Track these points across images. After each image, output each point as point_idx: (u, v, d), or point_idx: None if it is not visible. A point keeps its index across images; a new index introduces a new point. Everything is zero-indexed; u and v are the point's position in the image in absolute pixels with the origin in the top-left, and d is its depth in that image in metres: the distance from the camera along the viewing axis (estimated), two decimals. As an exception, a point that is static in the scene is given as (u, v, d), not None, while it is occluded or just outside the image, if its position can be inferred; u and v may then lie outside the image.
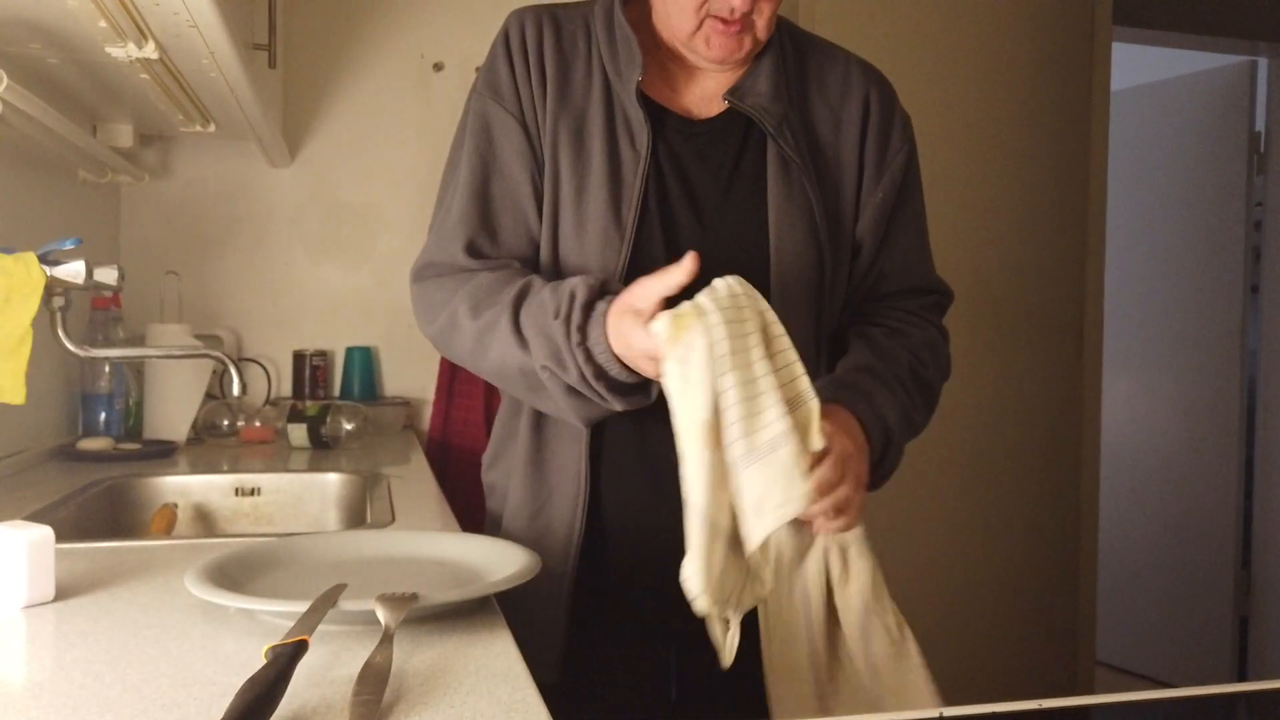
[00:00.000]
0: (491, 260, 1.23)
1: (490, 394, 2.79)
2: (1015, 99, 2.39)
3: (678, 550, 1.21)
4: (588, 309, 1.07)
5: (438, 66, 2.89)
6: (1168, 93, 4.17)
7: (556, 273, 1.23)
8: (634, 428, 1.22)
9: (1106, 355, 2.66)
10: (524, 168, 1.25)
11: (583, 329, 1.07)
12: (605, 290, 1.10)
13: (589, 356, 1.07)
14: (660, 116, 1.25)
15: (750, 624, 1.15)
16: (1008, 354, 2.42)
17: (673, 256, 1.13)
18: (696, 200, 1.25)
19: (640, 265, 1.20)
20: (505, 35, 1.29)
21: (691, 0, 1.18)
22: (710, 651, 1.26)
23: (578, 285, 1.09)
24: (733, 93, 1.24)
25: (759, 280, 1.19)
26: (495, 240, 1.24)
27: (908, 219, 1.34)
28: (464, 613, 0.97)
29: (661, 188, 1.24)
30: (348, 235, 2.80)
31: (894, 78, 2.22)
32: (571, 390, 1.11)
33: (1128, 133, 4.12)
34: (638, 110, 1.22)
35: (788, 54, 1.30)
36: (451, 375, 2.76)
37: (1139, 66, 4.35)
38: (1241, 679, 3.92)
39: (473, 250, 1.22)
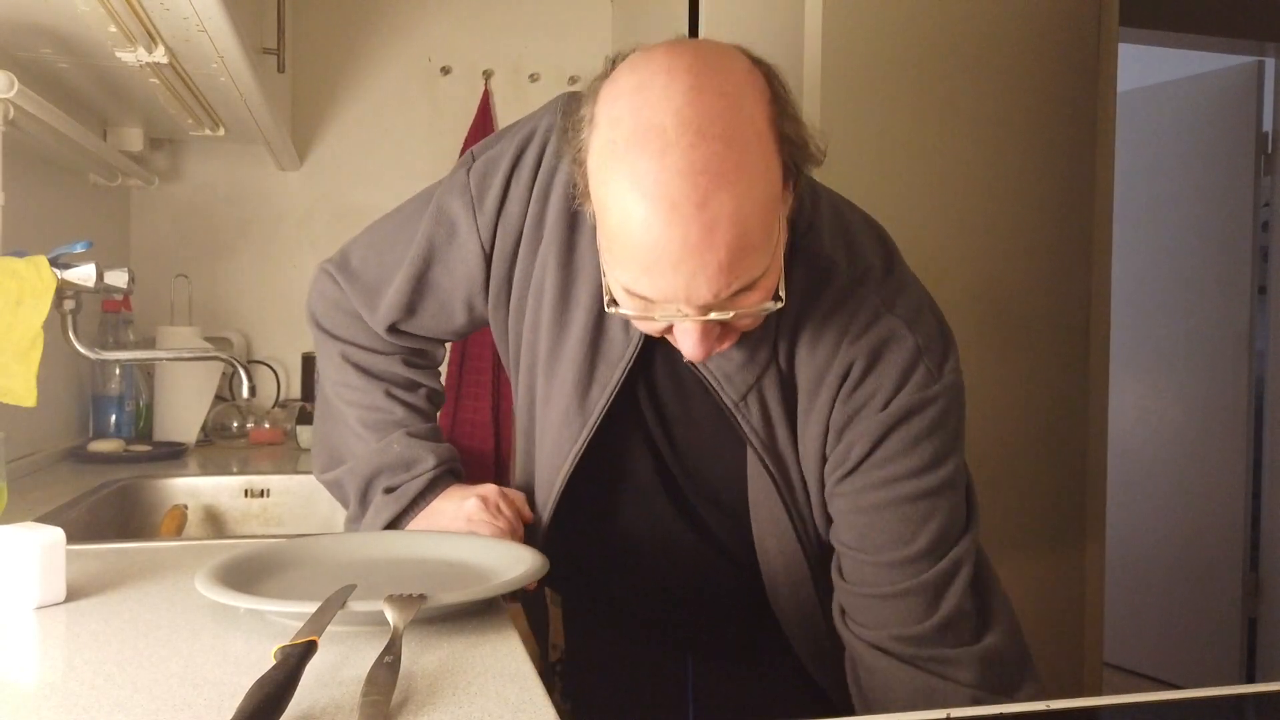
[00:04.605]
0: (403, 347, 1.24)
1: (498, 396, 2.79)
2: (1021, 100, 2.38)
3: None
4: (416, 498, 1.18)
5: (445, 70, 2.90)
6: (1175, 93, 4.16)
7: (530, 433, 1.18)
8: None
9: (1113, 357, 2.65)
10: (465, 283, 1.15)
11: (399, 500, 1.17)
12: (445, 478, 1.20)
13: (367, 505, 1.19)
14: None
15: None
16: (1014, 355, 2.42)
17: (641, 461, 1.14)
18: (679, 415, 1.13)
19: (606, 455, 1.13)
20: (525, 145, 1.12)
21: (647, 328, 0.97)
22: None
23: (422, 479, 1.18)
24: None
25: (739, 528, 1.12)
26: (416, 327, 1.21)
27: (877, 488, 1.03)
28: (472, 613, 0.97)
29: (644, 386, 1.12)
30: (356, 238, 2.81)
31: (899, 80, 2.22)
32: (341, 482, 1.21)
33: (1135, 133, 4.11)
34: None
35: (794, 289, 1.02)
36: (459, 377, 2.77)
37: (1146, 67, 4.34)
38: (1250, 681, 3.91)
39: (395, 330, 1.21)
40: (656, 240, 0.83)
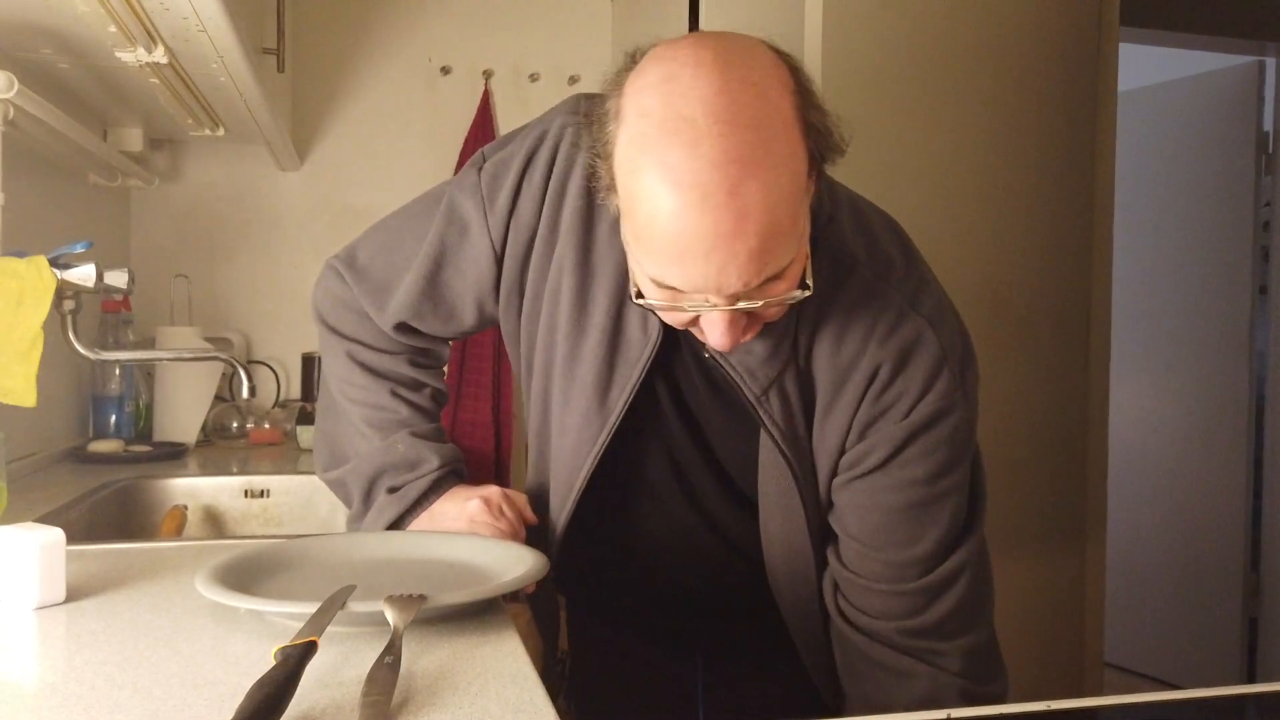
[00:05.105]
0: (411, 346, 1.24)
1: (498, 396, 2.79)
2: (1022, 100, 2.38)
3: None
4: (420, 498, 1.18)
5: (445, 70, 2.90)
6: (1175, 93, 4.16)
7: (545, 433, 1.17)
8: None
9: (1114, 356, 2.65)
10: (475, 284, 1.15)
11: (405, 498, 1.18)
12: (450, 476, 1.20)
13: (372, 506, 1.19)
14: None
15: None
16: (1014, 355, 2.42)
17: (657, 460, 1.14)
18: (699, 411, 1.13)
19: (622, 456, 1.13)
20: (537, 147, 1.11)
21: (668, 320, 0.98)
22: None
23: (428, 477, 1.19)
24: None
25: (750, 520, 1.13)
26: (425, 325, 1.21)
27: (889, 492, 1.06)
28: (472, 614, 0.97)
29: (664, 383, 1.12)
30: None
31: (899, 80, 2.22)
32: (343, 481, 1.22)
33: (1135, 133, 4.11)
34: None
35: (816, 283, 0.98)
36: (459, 378, 2.77)
37: (1146, 67, 4.34)
38: (1250, 681, 3.91)
39: (403, 329, 1.21)
40: (687, 229, 0.83)
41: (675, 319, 0.95)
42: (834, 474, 1.08)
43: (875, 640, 1.08)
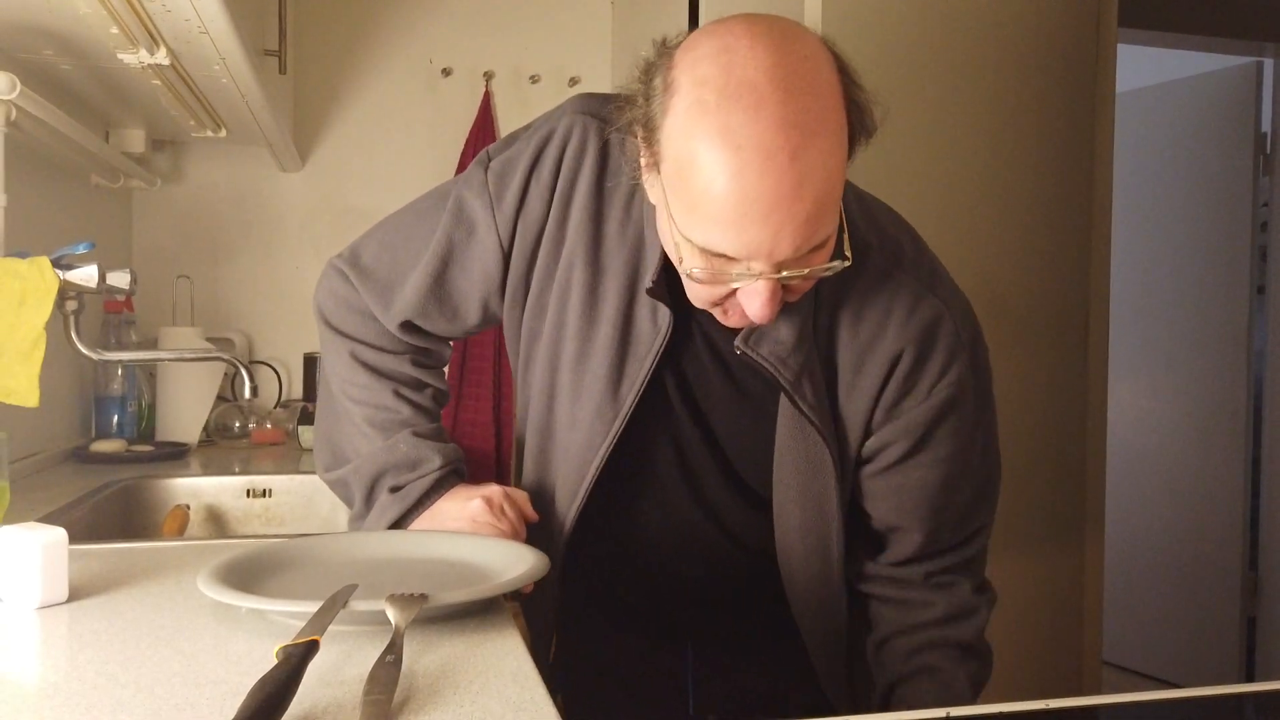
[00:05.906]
0: (416, 345, 1.24)
1: (498, 396, 2.80)
2: (1020, 100, 2.39)
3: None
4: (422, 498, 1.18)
5: (446, 71, 2.91)
6: (1174, 94, 4.16)
7: (548, 429, 1.17)
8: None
9: (1112, 356, 2.66)
10: (482, 282, 1.16)
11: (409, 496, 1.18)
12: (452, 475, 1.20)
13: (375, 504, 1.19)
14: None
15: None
16: (1013, 355, 2.43)
17: (663, 453, 1.16)
18: (707, 403, 1.14)
19: (628, 450, 1.13)
20: (544, 146, 1.12)
21: (702, 297, 0.99)
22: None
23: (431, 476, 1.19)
24: (746, 339, 1.03)
25: (755, 511, 1.15)
26: (430, 324, 1.21)
27: (922, 470, 1.12)
28: (473, 613, 0.97)
29: (672, 376, 1.13)
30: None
31: (898, 80, 2.23)
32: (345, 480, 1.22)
33: (1134, 134, 4.11)
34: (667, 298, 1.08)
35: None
36: (460, 377, 2.77)
37: (1145, 68, 4.35)
38: (1249, 679, 3.91)
39: (408, 328, 1.21)
40: (748, 192, 0.85)
41: (711, 294, 0.96)
42: (858, 452, 1.12)
43: (911, 583, 1.17)
